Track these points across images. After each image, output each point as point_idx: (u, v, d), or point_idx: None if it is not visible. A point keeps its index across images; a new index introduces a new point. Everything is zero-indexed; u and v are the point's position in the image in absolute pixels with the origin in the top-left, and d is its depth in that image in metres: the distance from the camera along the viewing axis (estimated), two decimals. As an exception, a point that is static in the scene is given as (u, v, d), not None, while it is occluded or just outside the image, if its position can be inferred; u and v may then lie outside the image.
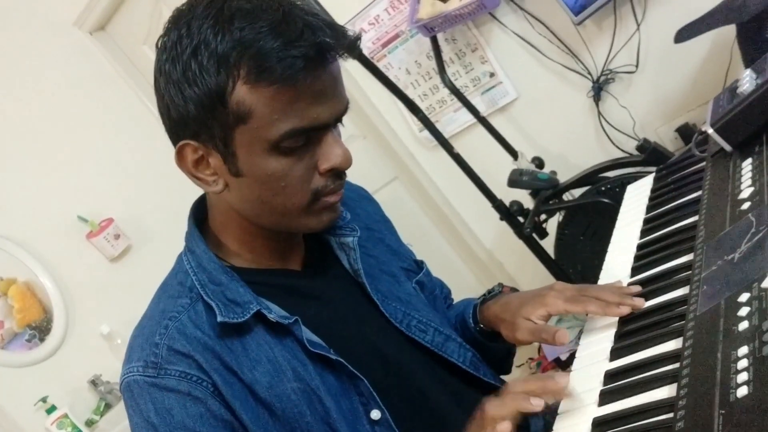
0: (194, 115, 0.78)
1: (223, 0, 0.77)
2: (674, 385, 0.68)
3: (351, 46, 0.80)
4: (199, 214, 0.94)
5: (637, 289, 0.90)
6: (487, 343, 1.05)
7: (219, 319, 0.82)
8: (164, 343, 0.82)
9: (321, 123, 0.80)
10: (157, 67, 0.81)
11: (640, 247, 1.03)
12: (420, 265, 1.13)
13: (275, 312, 0.85)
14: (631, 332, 0.84)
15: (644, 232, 1.07)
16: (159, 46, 0.81)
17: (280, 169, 0.80)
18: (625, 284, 0.96)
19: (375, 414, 0.86)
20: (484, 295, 1.09)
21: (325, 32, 0.76)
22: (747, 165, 0.94)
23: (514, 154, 2.22)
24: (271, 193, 0.82)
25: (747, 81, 0.98)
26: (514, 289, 1.10)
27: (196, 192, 0.96)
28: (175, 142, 0.83)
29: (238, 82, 0.75)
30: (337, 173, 0.84)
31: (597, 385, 0.78)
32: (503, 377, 1.07)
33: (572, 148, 2.31)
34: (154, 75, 0.82)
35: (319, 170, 0.83)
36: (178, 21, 0.78)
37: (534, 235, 2.11)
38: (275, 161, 0.79)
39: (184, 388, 0.80)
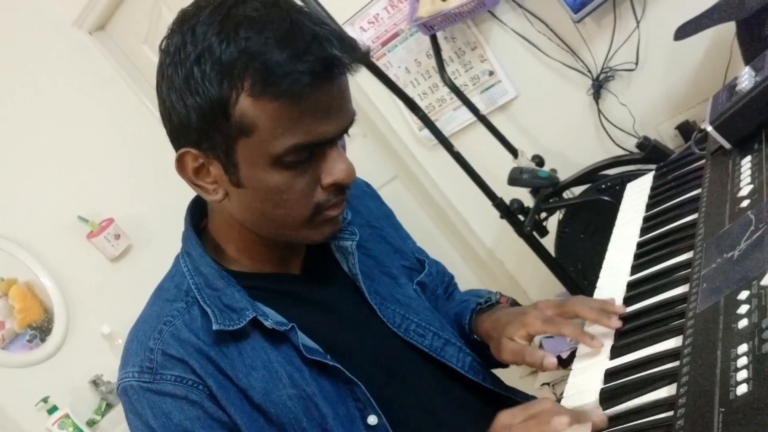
0: (195, 124, 0.76)
1: (229, 6, 0.74)
2: (674, 384, 0.68)
3: (360, 60, 0.77)
4: (196, 214, 0.93)
5: (621, 309, 0.88)
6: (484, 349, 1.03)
7: (214, 327, 0.82)
8: (159, 348, 0.82)
9: (326, 138, 0.78)
10: (160, 71, 0.79)
11: (640, 245, 1.03)
12: (423, 264, 1.10)
13: (272, 318, 0.84)
14: (632, 330, 0.84)
15: (644, 230, 1.07)
16: (162, 48, 0.78)
17: (282, 183, 0.78)
18: (623, 285, 0.95)
19: (372, 419, 0.85)
20: (480, 303, 1.07)
21: (333, 44, 0.73)
22: (746, 162, 0.94)
23: (514, 152, 2.22)
24: (272, 205, 0.80)
25: (746, 78, 0.98)
26: (514, 302, 1.08)
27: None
28: (176, 147, 0.81)
29: (241, 94, 0.73)
30: (340, 187, 0.83)
31: (597, 384, 0.78)
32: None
33: (572, 146, 2.31)
34: (157, 78, 0.80)
35: (321, 184, 0.81)
36: (183, 24, 0.76)
37: (534, 233, 2.10)
38: (277, 175, 0.78)
39: (180, 392, 0.80)
